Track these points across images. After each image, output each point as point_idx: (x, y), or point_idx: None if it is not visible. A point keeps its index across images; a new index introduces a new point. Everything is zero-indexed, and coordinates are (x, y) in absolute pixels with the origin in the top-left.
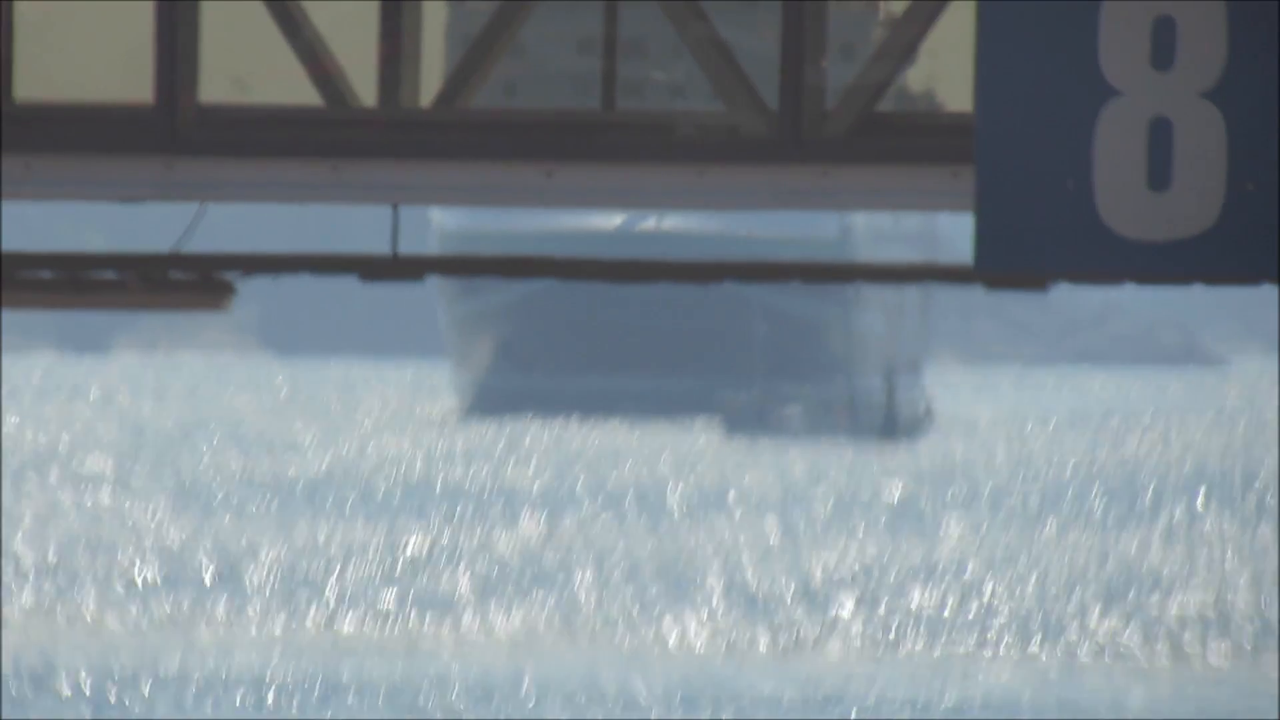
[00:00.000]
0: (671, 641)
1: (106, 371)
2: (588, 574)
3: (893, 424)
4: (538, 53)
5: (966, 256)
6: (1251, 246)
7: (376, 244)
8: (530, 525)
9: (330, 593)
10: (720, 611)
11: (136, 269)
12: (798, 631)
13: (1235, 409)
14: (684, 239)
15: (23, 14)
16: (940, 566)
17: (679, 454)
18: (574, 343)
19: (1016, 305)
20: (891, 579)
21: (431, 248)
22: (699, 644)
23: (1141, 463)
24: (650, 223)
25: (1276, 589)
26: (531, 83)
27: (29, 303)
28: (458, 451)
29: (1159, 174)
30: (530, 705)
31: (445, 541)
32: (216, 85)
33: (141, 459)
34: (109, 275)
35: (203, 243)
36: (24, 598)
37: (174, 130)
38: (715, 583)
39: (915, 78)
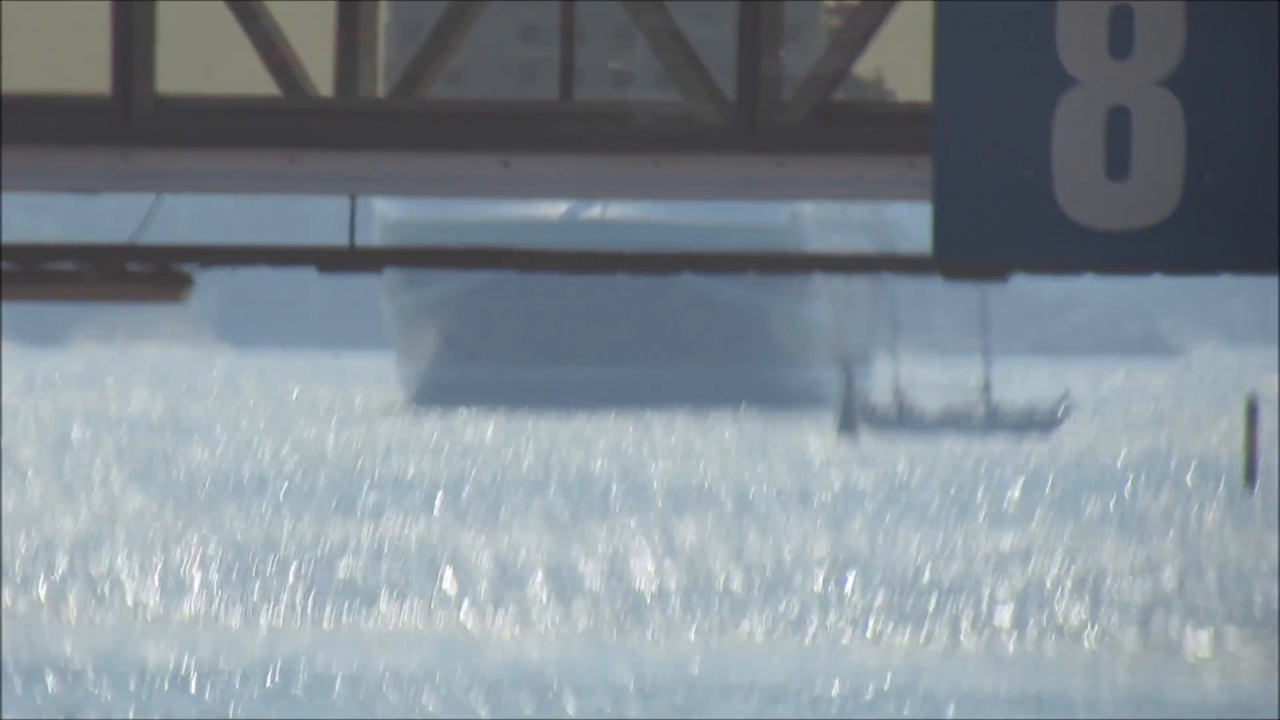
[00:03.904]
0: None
1: (63, 363)
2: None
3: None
4: (482, 41)
5: (917, 244)
6: (1210, 235)
7: (332, 237)
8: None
9: (312, 584)
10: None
11: (93, 260)
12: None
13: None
14: (629, 226)
15: None
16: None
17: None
18: (518, 333)
19: (975, 295)
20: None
21: (374, 239)
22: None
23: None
24: (595, 210)
25: (1276, 583)
26: (477, 72)
27: None
28: (401, 442)
29: (1118, 163)
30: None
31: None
32: (173, 76)
33: (85, 449)
34: (65, 266)
35: (159, 234)
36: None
37: (130, 121)
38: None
39: (871, 67)
